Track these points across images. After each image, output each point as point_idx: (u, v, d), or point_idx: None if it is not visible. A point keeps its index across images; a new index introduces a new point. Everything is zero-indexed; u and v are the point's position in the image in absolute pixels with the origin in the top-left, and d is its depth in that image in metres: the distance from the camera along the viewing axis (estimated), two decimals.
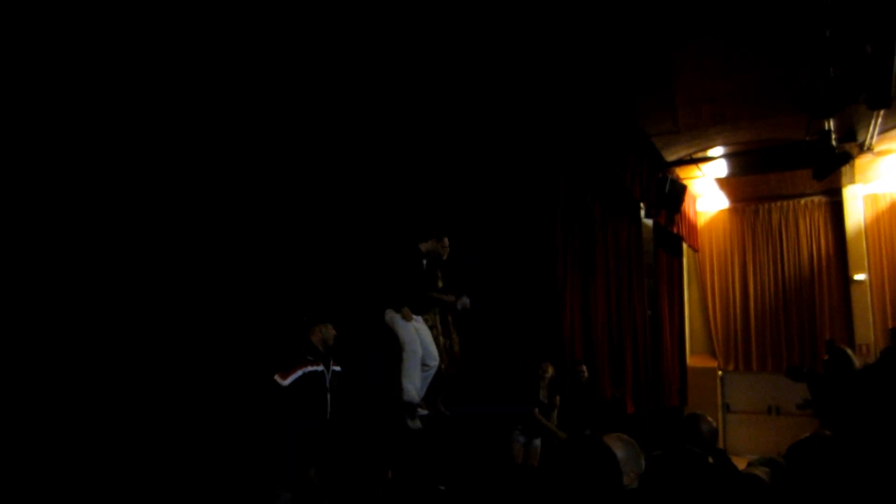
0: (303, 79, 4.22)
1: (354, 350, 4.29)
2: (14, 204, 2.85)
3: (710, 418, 3.38)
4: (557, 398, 5.93)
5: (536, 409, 5.68)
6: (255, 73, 3.92)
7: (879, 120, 7.96)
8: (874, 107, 6.10)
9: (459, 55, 5.18)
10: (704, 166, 10.23)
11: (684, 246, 11.73)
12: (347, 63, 4.46)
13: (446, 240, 4.88)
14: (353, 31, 4.41)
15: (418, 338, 4.62)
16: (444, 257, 4.91)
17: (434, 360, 4.74)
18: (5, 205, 2.82)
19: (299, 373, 3.56)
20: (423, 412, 4.75)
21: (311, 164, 4.31)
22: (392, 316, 4.63)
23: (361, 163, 4.72)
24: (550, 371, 5.88)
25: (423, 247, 4.80)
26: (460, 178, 5.66)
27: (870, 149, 9.06)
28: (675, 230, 10.39)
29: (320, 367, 3.68)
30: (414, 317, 4.67)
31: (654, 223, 10.09)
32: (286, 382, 3.52)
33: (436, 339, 4.91)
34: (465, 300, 5.13)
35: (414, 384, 4.51)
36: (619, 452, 2.31)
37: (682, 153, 9.53)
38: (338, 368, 3.82)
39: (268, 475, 3.44)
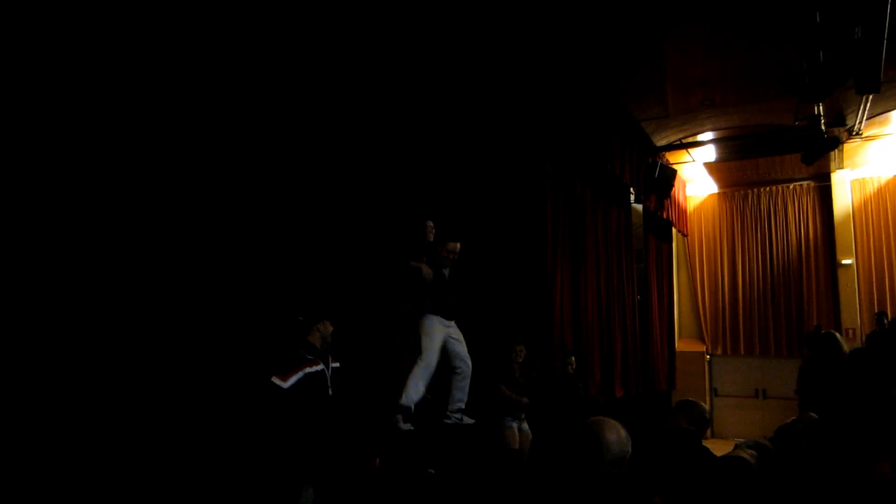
0: (297, 70, 4.16)
1: (353, 347, 4.25)
2: (14, 204, 2.81)
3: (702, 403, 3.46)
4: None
5: (502, 385, 5.72)
6: (251, 70, 3.87)
7: (868, 105, 7.97)
8: (863, 91, 6.10)
9: (444, 42, 5.13)
10: (694, 151, 10.23)
11: (674, 231, 11.77)
12: (334, 51, 4.40)
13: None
14: (332, 17, 4.35)
15: (440, 349, 4.61)
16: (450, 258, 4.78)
17: (463, 362, 4.72)
18: (5, 205, 2.78)
19: (300, 374, 3.46)
20: (470, 421, 4.76)
21: (298, 153, 4.25)
22: (422, 322, 4.61)
23: (348, 152, 4.66)
24: (523, 353, 5.93)
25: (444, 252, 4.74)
26: (449, 166, 5.61)
27: (858, 134, 9.07)
28: (664, 215, 10.41)
29: (320, 367, 3.58)
30: (447, 323, 4.67)
31: (644, 208, 10.10)
32: (287, 385, 3.41)
33: None
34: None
35: (417, 390, 4.48)
36: (609, 436, 2.32)
37: (671, 138, 9.52)
38: (336, 365, 3.74)
39: (288, 473, 3.40)
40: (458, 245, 4.72)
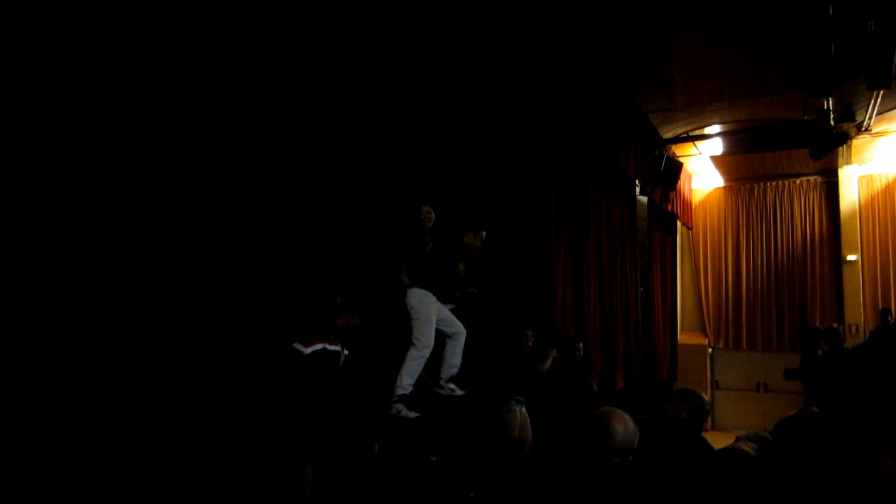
0: (312, 56, 4.20)
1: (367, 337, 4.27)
2: (14, 203, 2.83)
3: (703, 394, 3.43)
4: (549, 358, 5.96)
5: (538, 364, 5.75)
6: (274, 62, 3.94)
7: (878, 100, 7.91)
8: (874, 87, 6.05)
9: (446, 34, 5.10)
10: (700, 144, 10.18)
11: (678, 224, 11.74)
12: (339, 47, 4.40)
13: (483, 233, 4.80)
14: (337, 14, 4.35)
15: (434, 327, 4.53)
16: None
17: (456, 325, 4.65)
18: (5, 205, 2.80)
19: (319, 346, 3.50)
20: (460, 392, 4.66)
21: (307, 149, 4.29)
22: (410, 298, 4.50)
23: (354, 146, 4.68)
24: (532, 337, 5.94)
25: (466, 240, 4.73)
26: (453, 158, 5.60)
27: (867, 129, 9.00)
28: (669, 208, 10.37)
29: (338, 347, 3.63)
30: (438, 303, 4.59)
31: (649, 200, 10.07)
32: (307, 351, 3.46)
33: None
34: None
35: (412, 376, 4.42)
36: (617, 426, 2.32)
37: (678, 130, 9.46)
38: (347, 352, 3.77)
39: (289, 450, 3.42)
40: (484, 234, 4.74)
